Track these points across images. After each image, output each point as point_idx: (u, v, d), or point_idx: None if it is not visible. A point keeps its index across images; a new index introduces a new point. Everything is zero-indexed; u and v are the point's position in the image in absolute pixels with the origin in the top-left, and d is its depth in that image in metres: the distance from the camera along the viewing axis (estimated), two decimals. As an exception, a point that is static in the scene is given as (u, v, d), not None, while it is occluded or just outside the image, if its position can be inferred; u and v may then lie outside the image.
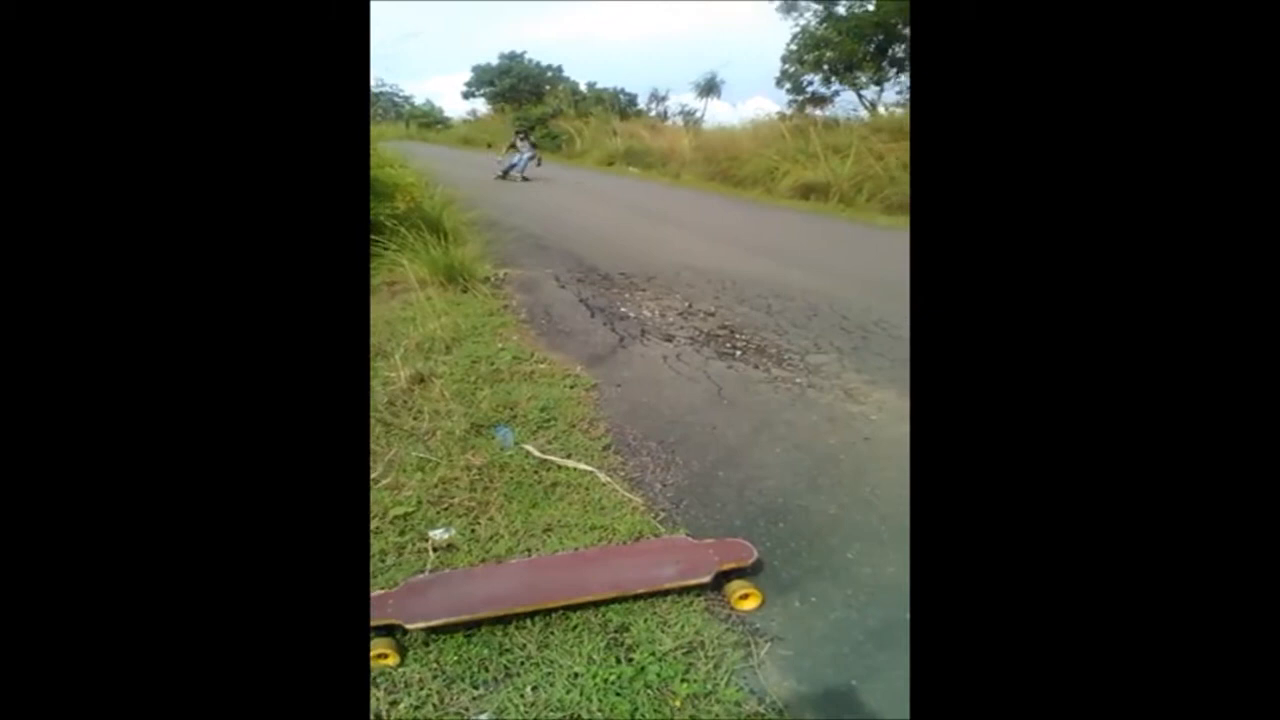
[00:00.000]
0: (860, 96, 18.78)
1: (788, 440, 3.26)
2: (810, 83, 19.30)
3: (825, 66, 18.49)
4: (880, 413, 3.58)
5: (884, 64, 17.95)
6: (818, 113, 18.27)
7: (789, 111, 18.97)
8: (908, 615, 2.11)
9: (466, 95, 35.35)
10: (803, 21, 18.85)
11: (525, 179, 14.58)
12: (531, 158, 15.20)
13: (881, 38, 17.46)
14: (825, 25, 18.23)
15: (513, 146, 15.50)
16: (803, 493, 2.81)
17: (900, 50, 17.77)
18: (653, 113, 27.69)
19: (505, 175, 14.84)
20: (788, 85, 19.66)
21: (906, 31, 17.13)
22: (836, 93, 19.05)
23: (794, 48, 19.11)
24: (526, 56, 33.04)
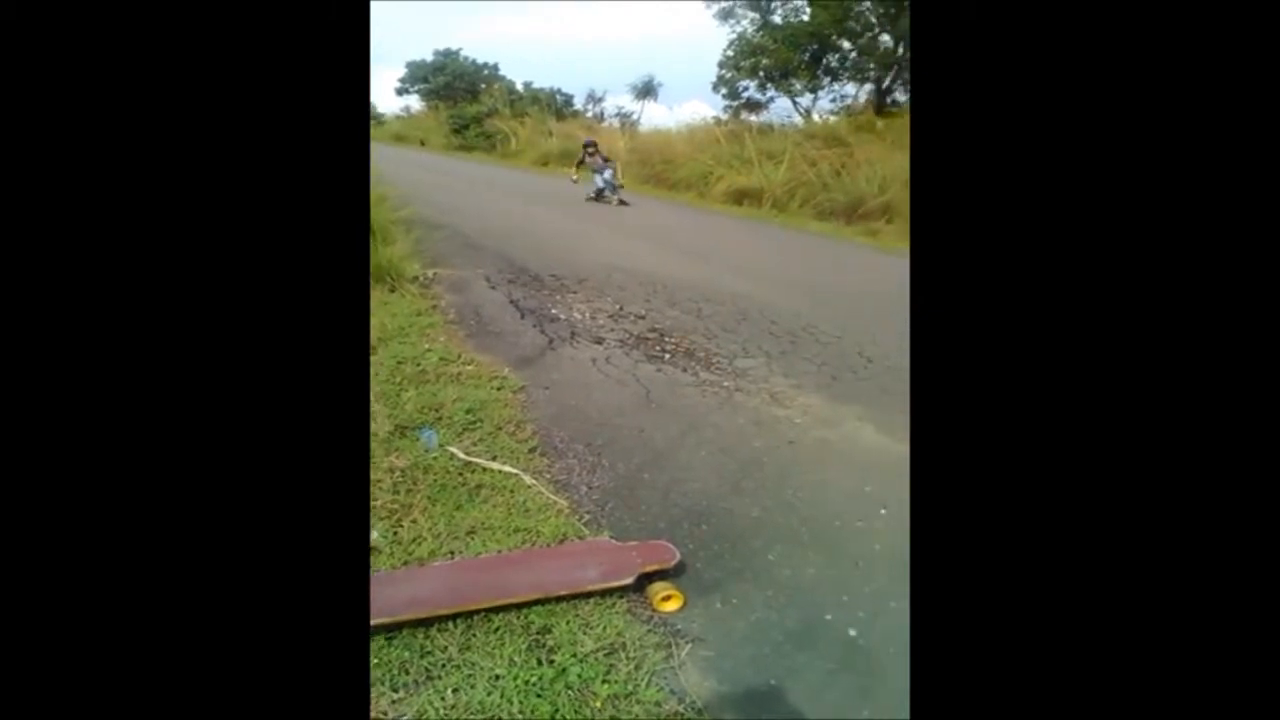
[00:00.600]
0: (795, 103, 19.06)
1: (714, 443, 3.29)
2: (746, 88, 19.53)
3: (761, 73, 18.71)
4: (805, 417, 3.64)
5: (818, 72, 18.23)
6: (753, 118, 18.54)
7: (725, 116, 19.19)
8: (827, 616, 2.16)
9: (400, 92, 34.79)
10: (740, 28, 19.07)
11: (623, 202, 11.97)
12: (613, 172, 12.46)
13: (816, 47, 17.72)
14: (761, 33, 18.47)
15: (581, 163, 13.31)
16: (727, 495, 2.84)
17: (834, 60, 18.07)
18: (589, 114, 27.75)
19: (599, 197, 12.12)
20: (724, 90, 19.87)
21: (841, 42, 17.43)
22: (771, 99, 19.33)
23: (730, 53, 19.31)
24: (462, 54, 32.66)
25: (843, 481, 3.01)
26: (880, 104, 17.12)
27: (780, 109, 19.17)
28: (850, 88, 18.55)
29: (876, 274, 7.89)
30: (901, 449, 3.34)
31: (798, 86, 18.56)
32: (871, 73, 17.64)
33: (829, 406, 3.79)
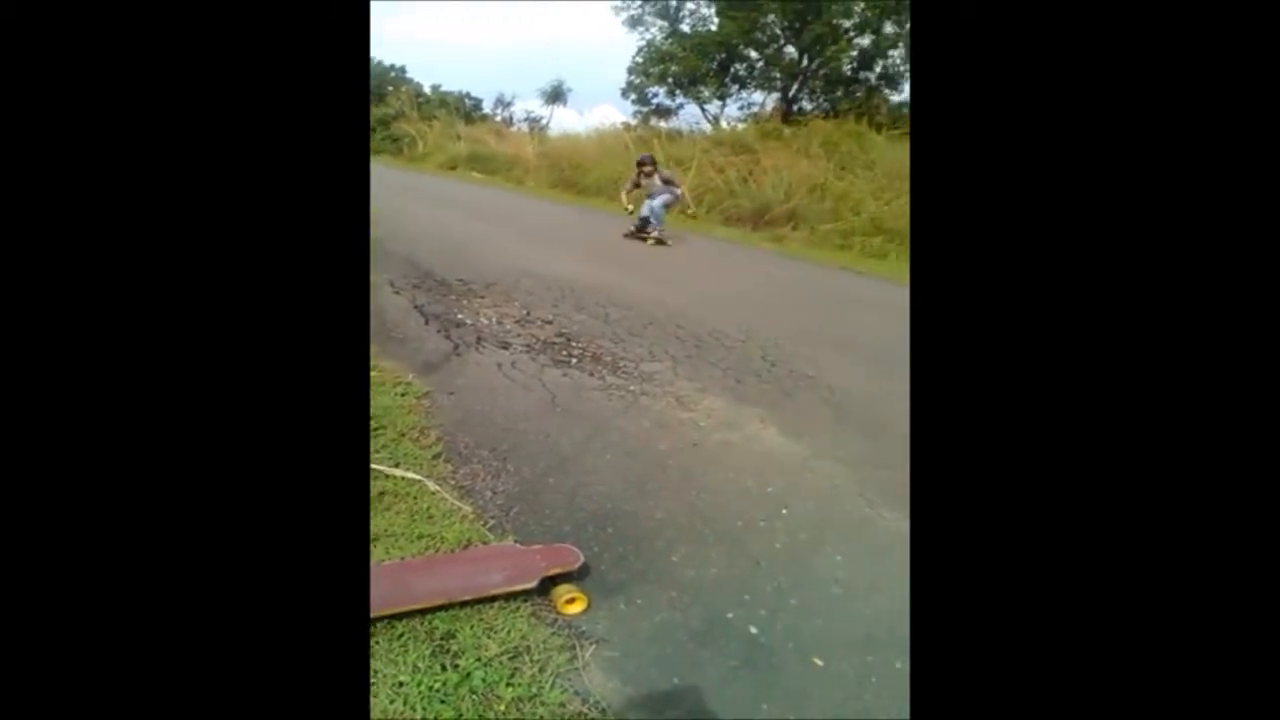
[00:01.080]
0: (703, 110, 19.30)
1: (619, 447, 3.32)
2: (655, 95, 19.68)
3: (670, 80, 18.89)
4: (708, 419, 3.71)
5: (726, 80, 18.50)
6: (662, 124, 18.71)
7: (634, 122, 19.32)
8: (729, 615, 2.20)
9: (303, 92, 33.77)
10: (649, 36, 19.23)
11: (660, 240, 9.41)
12: (673, 200, 9.74)
13: (724, 56, 17.99)
14: (670, 41, 18.65)
15: (637, 186, 9.84)
16: (631, 498, 2.87)
17: (741, 68, 18.37)
18: (498, 118, 27.61)
19: (641, 233, 9.53)
20: (633, 96, 19.98)
21: (748, 52, 17.74)
22: (681, 105, 19.53)
23: (640, 60, 19.44)
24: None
25: (745, 482, 3.07)
26: (787, 112, 17.47)
27: (689, 115, 19.43)
28: (758, 96, 18.91)
29: (782, 279, 8.06)
30: (802, 450, 3.43)
31: (706, 94, 18.80)
32: (778, 82, 17.99)
33: (733, 409, 3.86)
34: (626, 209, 9.90)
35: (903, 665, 2.05)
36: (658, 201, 9.37)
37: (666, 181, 9.67)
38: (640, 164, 9.91)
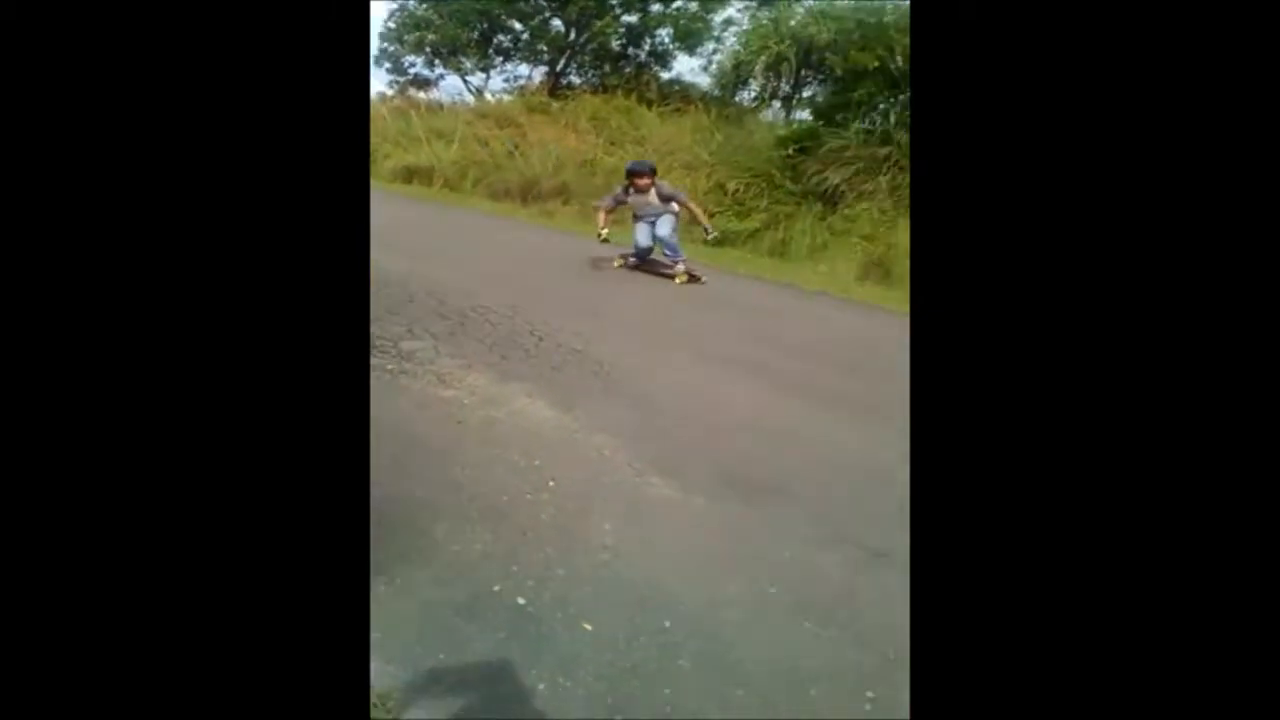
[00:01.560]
0: (465, 82, 18.88)
1: (374, 428, 3.19)
2: (413, 65, 19.02)
3: (428, 49, 18.31)
4: (472, 396, 3.67)
5: (489, 51, 18.18)
6: (421, 96, 18.15)
7: (390, 92, 18.63)
8: (495, 588, 2.20)
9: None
10: (401, 0, 18.50)
11: (694, 276, 6.82)
12: (676, 222, 6.85)
13: (485, 26, 17.65)
14: (426, 7, 18.05)
15: (621, 202, 7.02)
16: (389, 480, 2.79)
17: (506, 40, 18.11)
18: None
19: (642, 262, 7.13)
20: (388, 65, 19.22)
21: (511, 23, 17.51)
22: (441, 76, 18.98)
23: (393, 26, 18.70)
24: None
25: (511, 457, 3.07)
26: (555, 86, 17.41)
27: (450, 87, 18.93)
28: (524, 69, 18.71)
29: (550, 254, 8.07)
30: (570, 423, 3.47)
31: (468, 65, 18.39)
32: (545, 55, 17.89)
33: (498, 385, 3.85)
34: (599, 235, 7.14)
35: (671, 624, 2.14)
36: (665, 229, 6.72)
37: (666, 199, 6.82)
38: (631, 174, 6.90)
